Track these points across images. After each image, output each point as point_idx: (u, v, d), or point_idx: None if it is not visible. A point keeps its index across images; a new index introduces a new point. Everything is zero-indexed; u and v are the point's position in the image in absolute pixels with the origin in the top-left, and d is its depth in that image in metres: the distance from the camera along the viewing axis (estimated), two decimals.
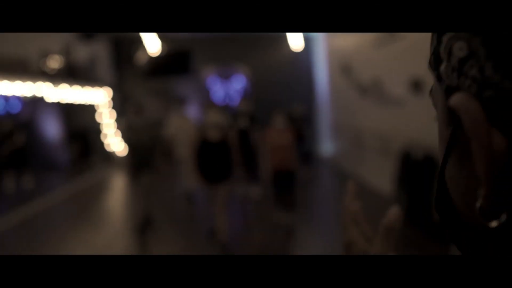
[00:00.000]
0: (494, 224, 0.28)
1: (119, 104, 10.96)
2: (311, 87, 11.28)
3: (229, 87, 11.31)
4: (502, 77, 0.25)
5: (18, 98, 9.83)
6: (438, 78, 0.32)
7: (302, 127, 7.93)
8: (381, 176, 6.50)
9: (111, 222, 5.62)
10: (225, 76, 11.31)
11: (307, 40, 11.00)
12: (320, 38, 10.72)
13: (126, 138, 4.69)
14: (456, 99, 0.28)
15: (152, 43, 10.74)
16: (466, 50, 0.28)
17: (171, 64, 10.92)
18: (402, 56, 5.67)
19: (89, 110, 9.99)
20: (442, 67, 0.31)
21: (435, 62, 0.32)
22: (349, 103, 8.20)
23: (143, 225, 4.70)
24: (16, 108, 10.13)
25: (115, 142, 10.24)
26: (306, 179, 7.26)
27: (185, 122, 5.84)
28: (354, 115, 7.90)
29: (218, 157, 3.90)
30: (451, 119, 0.31)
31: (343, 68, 8.21)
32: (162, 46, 10.91)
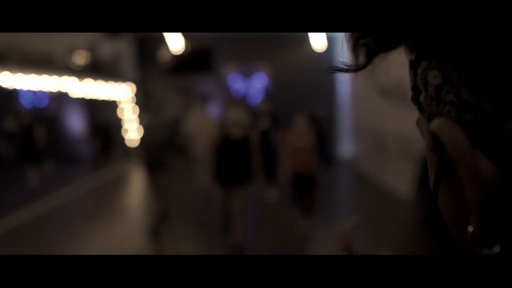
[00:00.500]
0: (485, 251, 0.28)
1: (142, 100, 11.13)
2: (332, 88, 11.19)
3: (250, 86, 11.33)
4: (479, 99, 0.25)
5: (45, 92, 10.11)
6: (420, 108, 0.33)
7: (325, 129, 7.82)
8: (401, 180, 6.39)
9: (129, 217, 5.71)
10: (247, 75, 11.33)
11: (329, 40, 10.91)
12: (343, 38, 10.60)
13: (142, 136, 4.63)
14: (436, 124, 0.28)
15: (175, 41, 10.86)
16: (440, 78, 0.28)
17: (194, 61, 11.02)
18: None
19: (112, 105, 10.18)
20: (421, 98, 0.31)
21: (415, 94, 0.33)
22: (370, 105, 8.09)
23: (158, 223, 4.53)
24: (43, 103, 10.42)
25: (135, 138, 10.41)
26: (325, 182, 7.16)
27: (206, 120, 5.78)
28: (375, 117, 7.79)
29: (238, 156, 3.73)
30: (437, 147, 0.31)
31: (365, 69, 8.09)
32: (185, 44, 11.02)
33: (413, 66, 0.33)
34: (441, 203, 0.33)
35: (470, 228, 0.28)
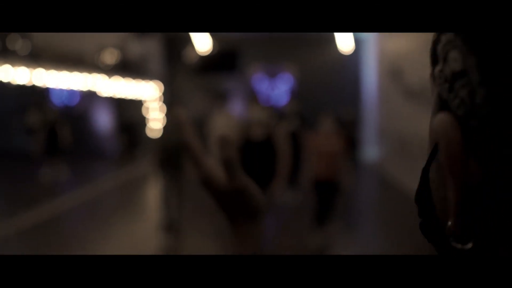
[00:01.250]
0: (458, 246, 0.28)
1: (168, 99, 11.31)
2: (358, 90, 11.05)
3: (275, 86, 11.32)
4: (491, 109, 0.24)
5: (75, 90, 10.42)
6: (433, 77, 0.31)
7: (354, 132, 7.45)
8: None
9: (149, 215, 5.80)
10: (272, 75, 11.33)
11: (356, 42, 10.78)
12: (371, 40, 10.47)
13: (160, 136, 4.56)
14: (440, 121, 0.28)
15: (202, 41, 10.98)
16: (460, 65, 0.26)
17: (220, 62, 11.12)
18: None
19: (139, 104, 10.39)
20: (437, 70, 0.30)
21: (432, 58, 0.32)
22: (397, 108, 7.95)
23: (167, 228, 4.40)
24: (73, 100, 10.75)
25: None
26: (349, 189, 6.74)
27: (227, 119, 5.58)
28: (401, 120, 7.65)
29: (260, 159, 3.39)
30: (433, 140, 0.31)
31: (393, 72, 7.97)
32: (212, 44, 11.12)
33: (437, 37, 0.31)
34: (433, 187, 0.33)
35: (449, 223, 0.28)
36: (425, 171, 0.34)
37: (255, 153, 3.38)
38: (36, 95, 9.45)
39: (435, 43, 0.31)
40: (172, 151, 4.33)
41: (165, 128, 4.57)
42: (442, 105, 0.29)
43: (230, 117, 5.70)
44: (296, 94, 10.94)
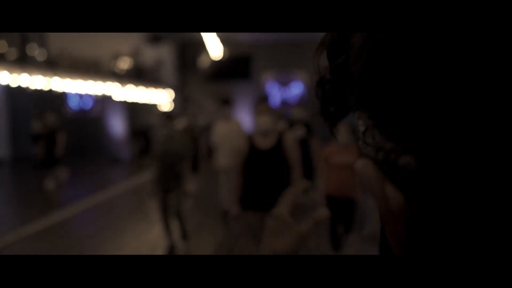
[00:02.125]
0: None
1: (180, 105, 11.44)
2: None
3: (287, 93, 11.35)
4: (386, 140, 0.29)
5: (90, 96, 10.62)
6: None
7: None
8: None
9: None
10: (284, 82, 11.37)
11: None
12: None
13: (156, 147, 4.15)
14: (357, 165, 0.31)
15: (214, 48, 11.09)
16: (363, 125, 0.31)
17: (232, 68, 11.21)
18: None
19: (151, 110, 10.52)
20: (359, 142, 0.34)
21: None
22: None
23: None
24: (88, 105, 10.96)
25: None
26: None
27: (231, 126, 5.20)
28: None
29: (269, 169, 3.01)
30: (362, 184, 0.34)
31: None
32: (224, 50, 11.22)
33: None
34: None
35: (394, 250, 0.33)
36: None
37: (263, 164, 3.02)
38: (50, 101, 9.65)
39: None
40: (171, 166, 3.94)
41: (163, 138, 4.08)
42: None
43: (232, 124, 5.33)
44: (307, 101, 10.95)
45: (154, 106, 10.39)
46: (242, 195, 3.06)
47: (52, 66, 5.59)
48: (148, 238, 4.74)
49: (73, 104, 11.02)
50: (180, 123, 6.43)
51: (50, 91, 5.63)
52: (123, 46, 7.91)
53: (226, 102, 5.56)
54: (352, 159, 3.44)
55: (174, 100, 11.05)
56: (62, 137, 6.79)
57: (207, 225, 5.30)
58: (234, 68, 11.24)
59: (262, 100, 3.11)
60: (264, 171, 3.00)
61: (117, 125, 10.71)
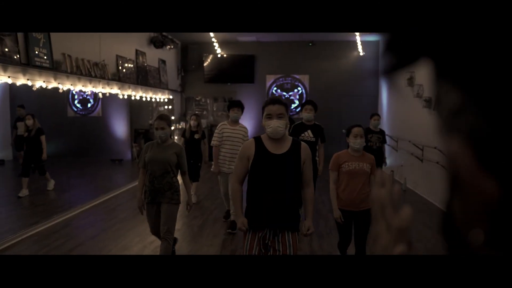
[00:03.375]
0: (488, 252, 0.31)
1: (182, 107, 11.46)
2: (374, 97, 11.01)
3: (290, 97, 11.36)
4: (490, 126, 0.27)
5: (94, 96, 10.64)
6: (441, 120, 0.34)
7: (383, 146, 6.43)
8: (442, 194, 6.17)
9: None
10: (287, 85, 11.38)
11: (372, 48, 10.77)
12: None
13: (141, 154, 3.82)
14: (453, 146, 0.30)
15: (217, 50, 11.11)
16: (460, 101, 0.29)
17: (235, 71, 11.22)
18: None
19: (153, 112, 10.54)
20: (444, 112, 0.33)
21: (438, 107, 0.35)
22: (412, 115, 7.89)
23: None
24: (91, 107, 10.98)
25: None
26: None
27: (238, 131, 5.09)
28: (417, 128, 7.59)
29: (281, 176, 2.62)
30: (452, 164, 0.33)
31: (407, 78, 7.93)
32: (227, 53, 11.25)
33: (438, 79, 0.34)
34: (454, 209, 0.36)
35: (476, 234, 0.31)
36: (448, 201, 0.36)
37: (277, 167, 2.64)
38: (53, 102, 9.66)
39: (438, 93, 0.34)
40: (157, 179, 3.62)
41: (150, 147, 3.71)
42: (451, 129, 0.32)
43: (236, 128, 5.15)
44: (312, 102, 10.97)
45: (156, 107, 10.41)
46: (249, 212, 2.68)
47: (55, 66, 5.60)
48: (152, 239, 4.74)
49: (75, 104, 11.05)
50: (179, 127, 6.28)
51: (53, 91, 5.64)
52: (126, 48, 7.94)
53: (236, 105, 5.18)
54: (368, 165, 3.31)
55: (176, 102, 11.07)
56: (40, 141, 6.57)
57: (209, 228, 5.31)
58: (237, 70, 11.25)
59: (274, 101, 2.65)
60: (276, 178, 2.60)
61: (119, 125, 10.74)
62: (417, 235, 5.02)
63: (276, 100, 2.65)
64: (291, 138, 2.75)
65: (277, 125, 2.58)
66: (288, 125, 2.76)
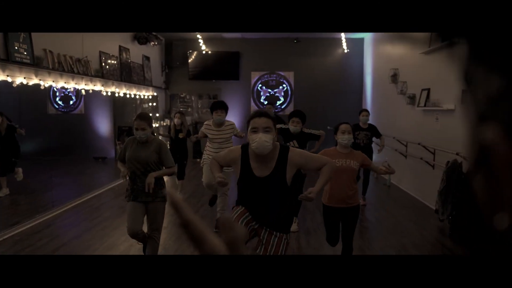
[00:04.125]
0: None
1: (166, 103, 11.35)
2: (359, 94, 11.10)
3: (274, 93, 11.36)
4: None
5: (76, 93, 10.45)
6: (473, 95, 0.32)
7: (371, 143, 6.29)
8: (426, 190, 6.28)
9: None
10: (272, 81, 11.38)
11: (356, 45, 10.86)
12: (369, 43, 10.54)
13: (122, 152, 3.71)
14: (491, 133, 0.28)
15: (202, 47, 11.03)
16: (498, 85, 0.27)
17: (219, 67, 11.17)
18: (452, 63, 5.47)
19: (137, 109, 10.42)
20: (478, 92, 0.30)
21: (469, 79, 0.32)
22: (396, 112, 8.00)
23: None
24: (73, 104, 10.78)
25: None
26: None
27: (220, 132, 4.99)
28: (401, 124, 7.70)
29: (265, 196, 2.52)
30: (483, 152, 0.31)
31: (391, 75, 8.02)
32: (212, 49, 11.18)
33: (474, 57, 0.31)
34: (479, 195, 0.34)
35: (502, 220, 0.29)
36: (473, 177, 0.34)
37: (261, 192, 2.57)
38: (34, 98, 9.46)
39: (470, 67, 0.32)
40: (138, 178, 3.51)
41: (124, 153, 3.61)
42: (482, 116, 0.30)
43: (216, 127, 5.05)
44: (295, 100, 11.01)
45: (140, 104, 10.29)
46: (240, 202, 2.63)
47: (36, 62, 5.47)
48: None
49: (57, 101, 10.84)
50: (163, 124, 6.18)
51: (33, 88, 5.50)
52: (109, 44, 7.80)
53: (219, 106, 5.02)
54: (354, 162, 3.32)
55: (160, 98, 10.96)
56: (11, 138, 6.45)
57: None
58: (221, 67, 11.20)
59: (260, 114, 2.45)
60: (260, 200, 2.51)
61: (102, 122, 10.58)
62: (403, 230, 5.10)
63: (262, 113, 2.45)
64: (278, 147, 2.52)
65: (263, 140, 2.36)
66: (276, 139, 2.56)
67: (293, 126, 4.71)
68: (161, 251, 4.09)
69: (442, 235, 4.92)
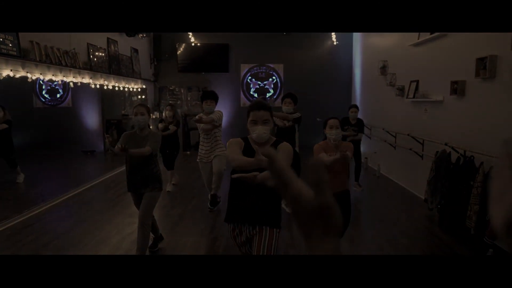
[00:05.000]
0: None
1: (155, 96, 11.26)
2: (348, 86, 11.16)
3: (264, 85, 11.35)
4: None
5: (63, 86, 10.30)
6: None
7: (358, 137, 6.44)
8: (415, 180, 6.37)
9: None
10: (261, 73, 11.36)
11: (346, 37, 10.90)
12: (358, 35, 10.58)
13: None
14: None
15: (190, 39, 10.94)
16: None
17: (209, 60, 11.10)
18: (441, 55, 5.53)
19: (126, 102, 10.32)
20: None
21: None
22: (385, 103, 8.06)
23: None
24: (61, 97, 10.63)
25: None
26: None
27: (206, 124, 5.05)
28: (390, 115, 7.77)
29: (259, 192, 2.55)
30: None
31: (380, 67, 8.07)
32: (201, 42, 11.10)
33: None
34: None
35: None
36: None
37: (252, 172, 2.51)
38: (19, 91, 9.32)
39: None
40: (135, 168, 3.61)
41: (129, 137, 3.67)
42: None
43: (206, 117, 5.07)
44: (286, 93, 11.03)
45: (128, 97, 10.20)
46: (229, 207, 2.70)
47: (23, 54, 5.37)
48: (130, 230, 4.67)
49: (43, 95, 10.68)
50: (153, 117, 6.19)
51: (18, 81, 5.41)
52: (98, 37, 7.68)
53: (209, 97, 5.16)
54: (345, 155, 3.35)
55: (149, 91, 10.87)
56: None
57: (188, 217, 5.28)
58: (211, 59, 11.14)
59: (259, 106, 2.60)
60: (252, 192, 2.56)
61: (90, 115, 10.47)
62: (393, 219, 5.17)
63: (261, 106, 2.63)
64: (273, 140, 2.69)
65: (262, 131, 2.60)
66: (273, 128, 2.75)
67: (285, 107, 5.26)
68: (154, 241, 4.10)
69: (431, 223, 5.01)
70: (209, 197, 5.52)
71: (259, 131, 2.59)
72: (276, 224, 2.63)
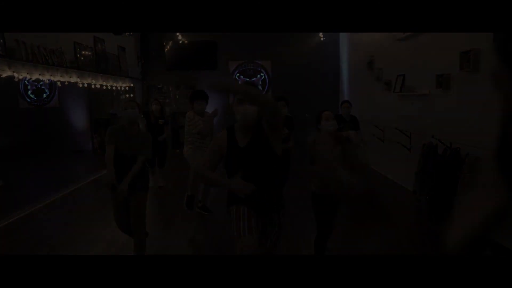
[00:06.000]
0: None
1: (143, 94, 11.19)
2: (335, 82, 11.23)
3: (252, 82, 11.37)
4: None
5: (50, 86, 10.18)
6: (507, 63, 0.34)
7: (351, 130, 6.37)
8: (404, 172, 6.47)
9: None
10: (249, 70, 11.37)
11: (332, 33, 10.96)
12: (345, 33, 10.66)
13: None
14: None
15: (178, 36, 10.90)
16: None
17: (197, 57, 11.08)
18: (427, 50, 5.62)
19: (114, 100, 10.25)
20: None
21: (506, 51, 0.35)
22: (373, 98, 8.15)
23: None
24: (48, 96, 10.51)
25: None
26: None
27: (204, 120, 4.87)
28: (378, 110, 7.86)
29: (251, 165, 2.40)
30: None
31: (367, 62, 8.16)
32: (188, 39, 11.07)
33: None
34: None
35: None
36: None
37: (246, 160, 2.42)
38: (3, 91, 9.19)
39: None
40: (123, 167, 3.44)
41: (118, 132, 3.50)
42: None
43: (197, 115, 4.91)
44: (274, 90, 11.06)
45: (117, 96, 10.13)
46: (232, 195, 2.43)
47: (8, 53, 5.30)
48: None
49: (29, 95, 10.54)
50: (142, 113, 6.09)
51: (2, 82, 5.35)
52: (84, 35, 7.61)
53: (199, 97, 4.88)
54: (337, 146, 3.21)
55: (137, 90, 10.80)
56: None
57: (179, 214, 5.28)
58: (199, 56, 11.11)
59: (248, 83, 2.51)
60: (248, 170, 2.36)
61: (78, 115, 10.38)
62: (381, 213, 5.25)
63: (249, 83, 2.52)
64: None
65: (249, 110, 2.33)
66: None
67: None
68: (148, 238, 4.10)
69: (420, 214, 5.10)
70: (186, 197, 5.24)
71: (244, 110, 2.34)
72: (281, 206, 2.52)
